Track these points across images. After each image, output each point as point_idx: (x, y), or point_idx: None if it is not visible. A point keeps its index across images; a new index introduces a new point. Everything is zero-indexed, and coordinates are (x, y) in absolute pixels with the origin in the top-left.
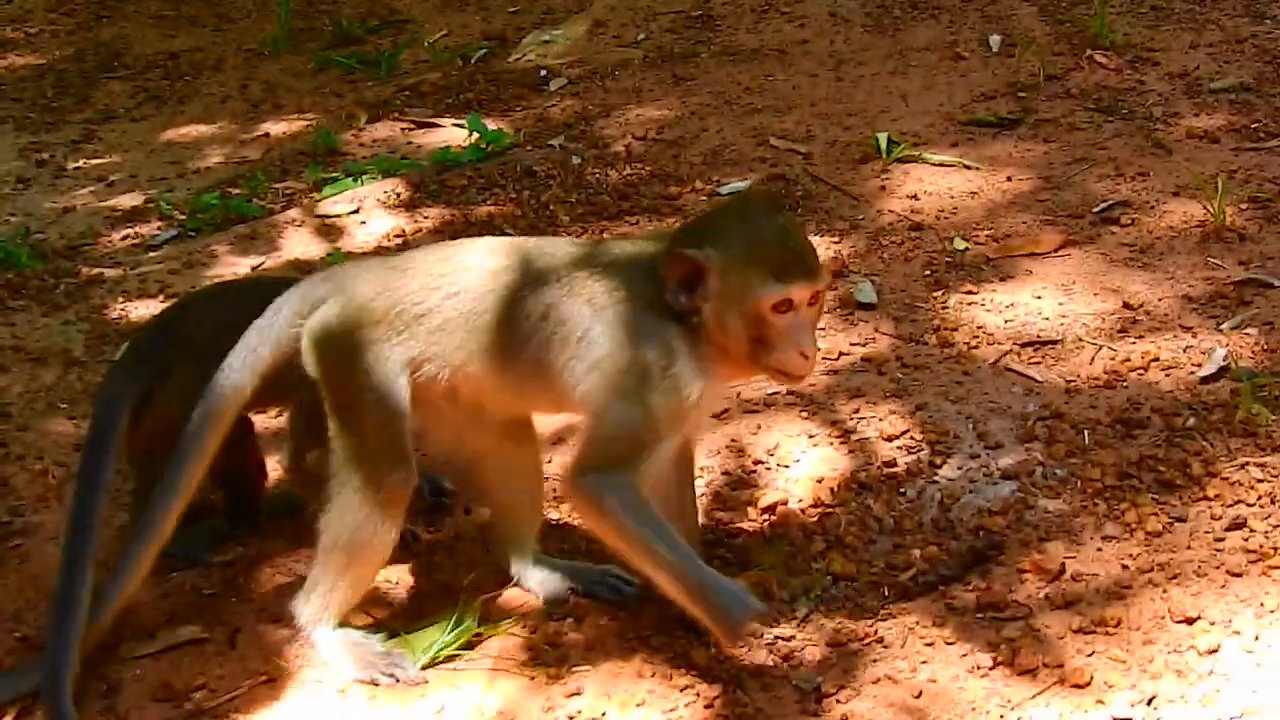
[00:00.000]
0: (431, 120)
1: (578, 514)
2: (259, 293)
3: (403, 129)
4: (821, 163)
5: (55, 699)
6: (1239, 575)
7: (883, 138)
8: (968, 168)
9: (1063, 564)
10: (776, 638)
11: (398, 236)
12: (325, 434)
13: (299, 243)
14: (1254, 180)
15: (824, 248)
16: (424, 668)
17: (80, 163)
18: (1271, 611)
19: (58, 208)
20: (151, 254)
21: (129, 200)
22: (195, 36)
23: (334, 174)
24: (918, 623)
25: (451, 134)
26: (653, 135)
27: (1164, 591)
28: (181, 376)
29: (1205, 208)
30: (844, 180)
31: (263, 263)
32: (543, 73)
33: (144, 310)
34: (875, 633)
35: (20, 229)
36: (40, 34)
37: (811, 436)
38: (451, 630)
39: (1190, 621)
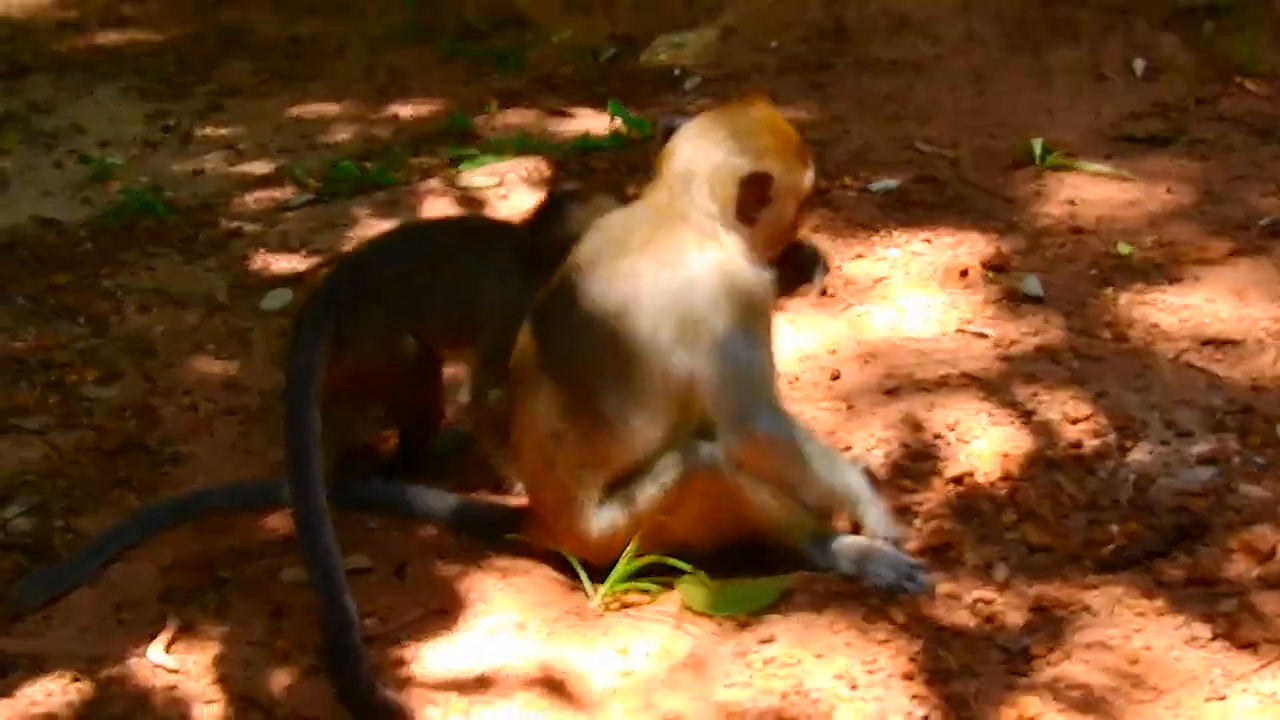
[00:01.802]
0: (565, 110)
1: (754, 463)
2: (445, 234)
3: (537, 116)
4: (971, 167)
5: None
6: None
7: (1037, 143)
8: (1124, 179)
9: (1275, 547)
10: (977, 600)
11: None
12: (505, 374)
13: (440, 211)
14: None
15: (982, 244)
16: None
17: (207, 130)
18: None
19: (187, 170)
20: (289, 214)
21: (259, 167)
22: (317, 23)
23: (470, 151)
24: (1125, 593)
25: (588, 123)
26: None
27: None
28: (373, 318)
29: None
30: (996, 184)
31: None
32: (676, 72)
33: (286, 263)
34: (1081, 601)
35: (152, 187)
36: (159, 13)
37: (991, 415)
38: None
39: None
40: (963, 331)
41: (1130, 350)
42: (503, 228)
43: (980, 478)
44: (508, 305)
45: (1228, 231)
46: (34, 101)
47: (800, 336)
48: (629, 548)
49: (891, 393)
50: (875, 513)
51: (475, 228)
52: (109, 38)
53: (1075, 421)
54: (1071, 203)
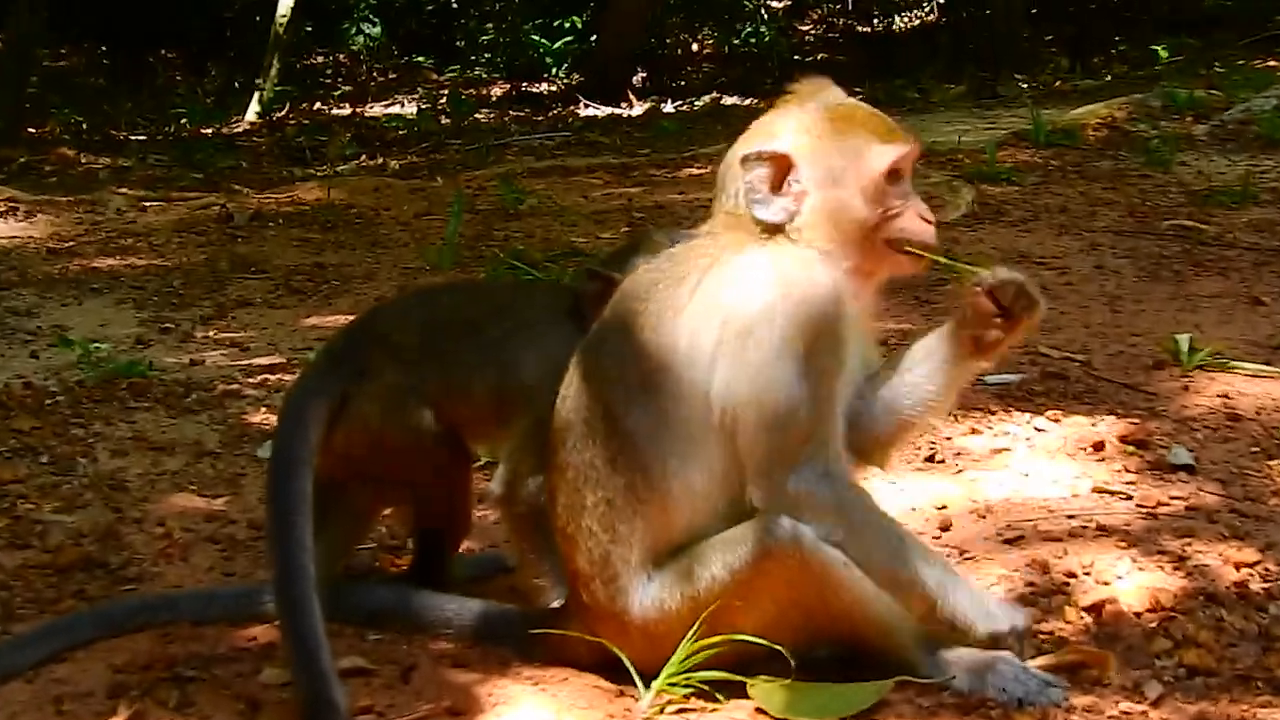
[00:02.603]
0: None
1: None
2: (484, 292)
3: None
4: (1105, 368)
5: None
6: None
7: (1183, 339)
8: None
9: None
10: (1123, 714)
11: None
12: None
13: None
14: None
15: (1121, 425)
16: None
17: (210, 333)
18: None
19: (183, 361)
20: None
21: (268, 360)
22: (344, 255)
23: None
24: None
25: None
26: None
27: None
28: (385, 380)
29: None
30: (1136, 381)
31: None
32: None
33: None
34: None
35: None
36: (167, 244)
37: (1135, 561)
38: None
39: None
40: (1101, 492)
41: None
42: (552, 287)
43: (1124, 607)
44: (555, 377)
45: None
46: (13, 308)
47: (904, 495)
48: (687, 635)
49: (1013, 542)
50: (967, 597)
51: (520, 286)
52: (105, 262)
53: (1240, 566)
54: (1225, 396)
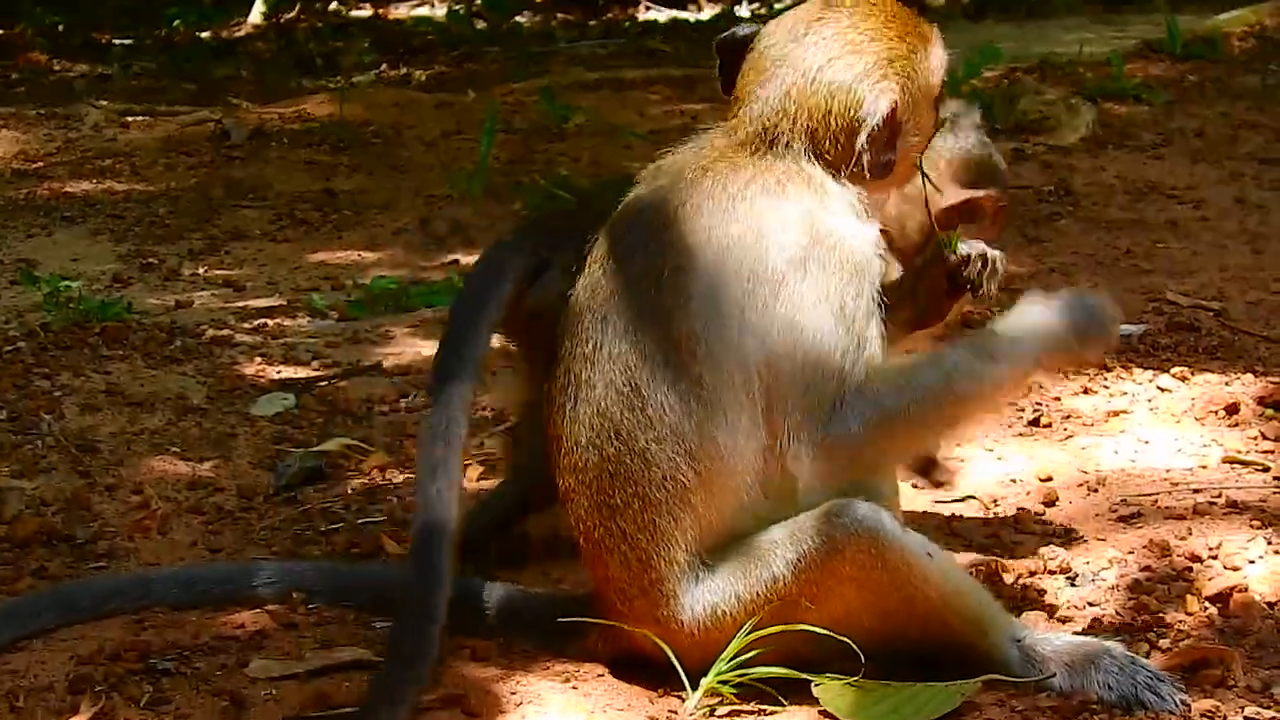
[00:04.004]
0: None
1: (838, 471)
2: None
3: None
4: (1243, 318)
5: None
6: None
7: None
8: None
9: None
10: (1248, 718)
11: None
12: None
13: None
14: None
15: (1259, 384)
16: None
17: (199, 270)
18: None
19: (167, 303)
20: (303, 327)
21: (266, 302)
22: (361, 179)
23: None
24: None
25: None
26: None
27: None
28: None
29: None
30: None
31: None
32: None
33: (290, 371)
34: None
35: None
36: (152, 166)
37: (1270, 543)
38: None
39: None
40: (1232, 462)
41: None
42: None
43: (1255, 596)
44: None
45: None
46: None
47: (1003, 464)
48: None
49: (1128, 520)
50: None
51: None
52: (80, 186)
53: None
54: None
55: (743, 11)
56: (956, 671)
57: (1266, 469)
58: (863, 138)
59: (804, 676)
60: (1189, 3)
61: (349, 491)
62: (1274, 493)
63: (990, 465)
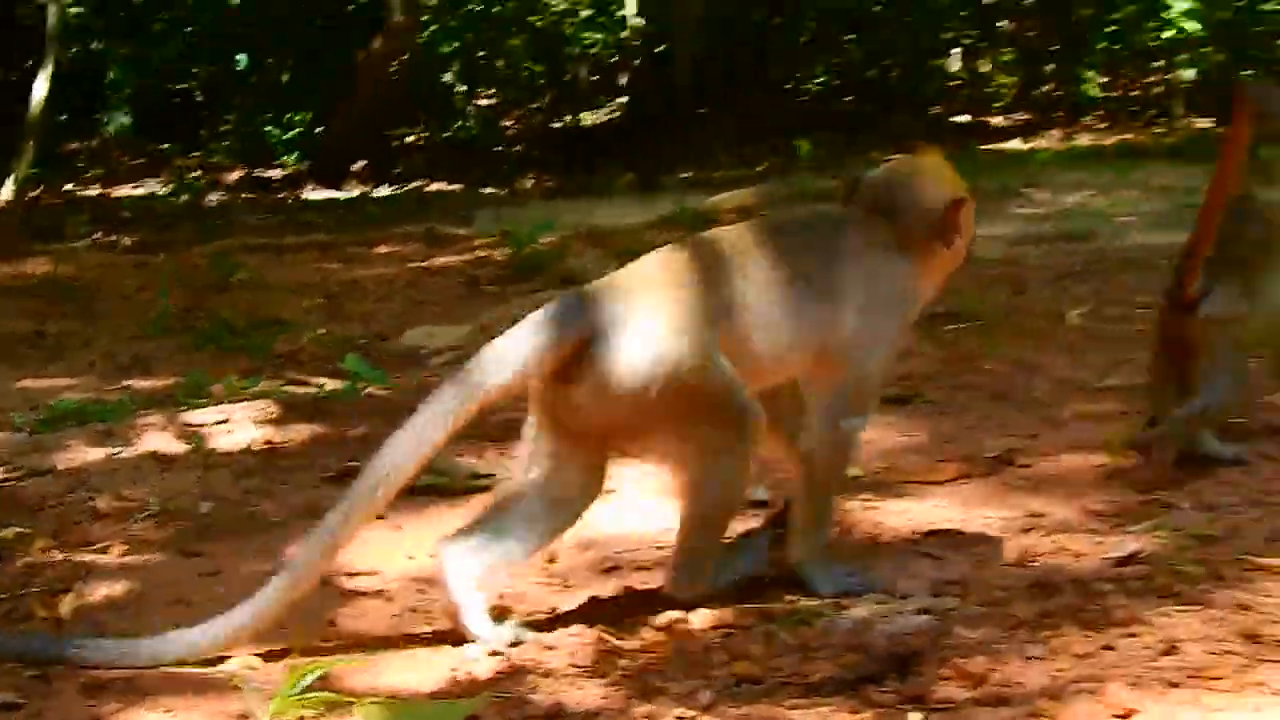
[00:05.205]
0: (305, 379)
1: (820, 456)
2: None
3: (280, 385)
4: None
5: None
6: (1177, 685)
7: None
8: None
9: (986, 673)
10: (678, 717)
11: (266, 443)
12: None
13: (159, 442)
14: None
15: None
16: None
17: None
18: (1217, 710)
19: None
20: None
21: None
22: (64, 324)
23: (200, 401)
24: (834, 710)
25: (328, 385)
26: None
27: (1099, 693)
28: None
29: (1099, 461)
30: None
31: (118, 452)
32: (423, 351)
33: None
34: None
35: None
36: None
37: None
38: None
39: (1128, 715)
40: None
41: (854, 541)
42: None
43: (692, 626)
44: None
45: (956, 461)
46: None
47: None
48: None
49: (609, 571)
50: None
51: None
52: None
53: (792, 591)
54: None
55: (382, 193)
56: None
57: None
58: (944, 210)
59: (350, 700)
60: (706, 188)
61: (14, 569)
62: None
63: None
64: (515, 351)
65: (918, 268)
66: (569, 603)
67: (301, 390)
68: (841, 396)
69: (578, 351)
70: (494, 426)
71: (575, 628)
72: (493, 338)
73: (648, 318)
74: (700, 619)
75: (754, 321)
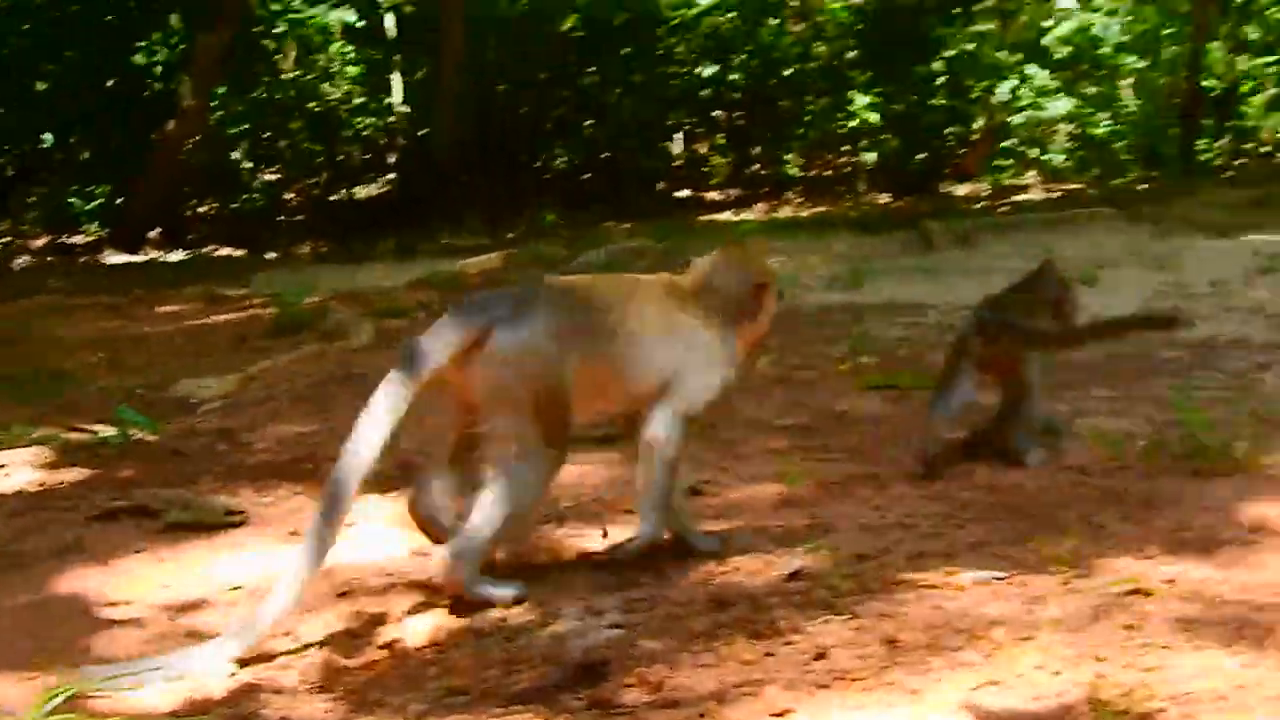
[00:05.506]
0: (85, 427)
1: (649, 444)
2: None
3: (58, 432)
4: None
5: None
6: (826, 686)
7: None
8: None
9: (664, 680)
10: None
11: (40, 485)
12: None
13: None
14: (815, 474)
15: None
16: None
17: None
18: (857, 708)
19: None
20: None
21: None
22: None
23: None
24: (532, 717)
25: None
26: (293, 438)
27: (759, 695)
28: None
29: (775, 490)
30: None
31: None
32: (192, 400)
33: None
34: None
35: None
36: None
37: (429, 608)
38: None
39: (784, 714)
40: (416, 554)
41: (560, 563)
42: None
43: (410, 645)
44: None
45: None
46: None
47: (248, 564)
48: None
49: (343, 595)
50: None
51: None
52: None
53: (503, 610)
54: None
55: (175, 258)
56: None
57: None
58: (750, 290)
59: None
60: (452, 254)
61: None
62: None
63: (234, 566)
64: (442, 339)
65: (734, 334)
66: (306, 625)
67: (77, 437)
68: (671, 416)
69: (481, 336)
70: (248, 468)
71: (309, 649)
72: (256, 388)
73: (534, 321)
74: (417, 637)
75: (608, 355)
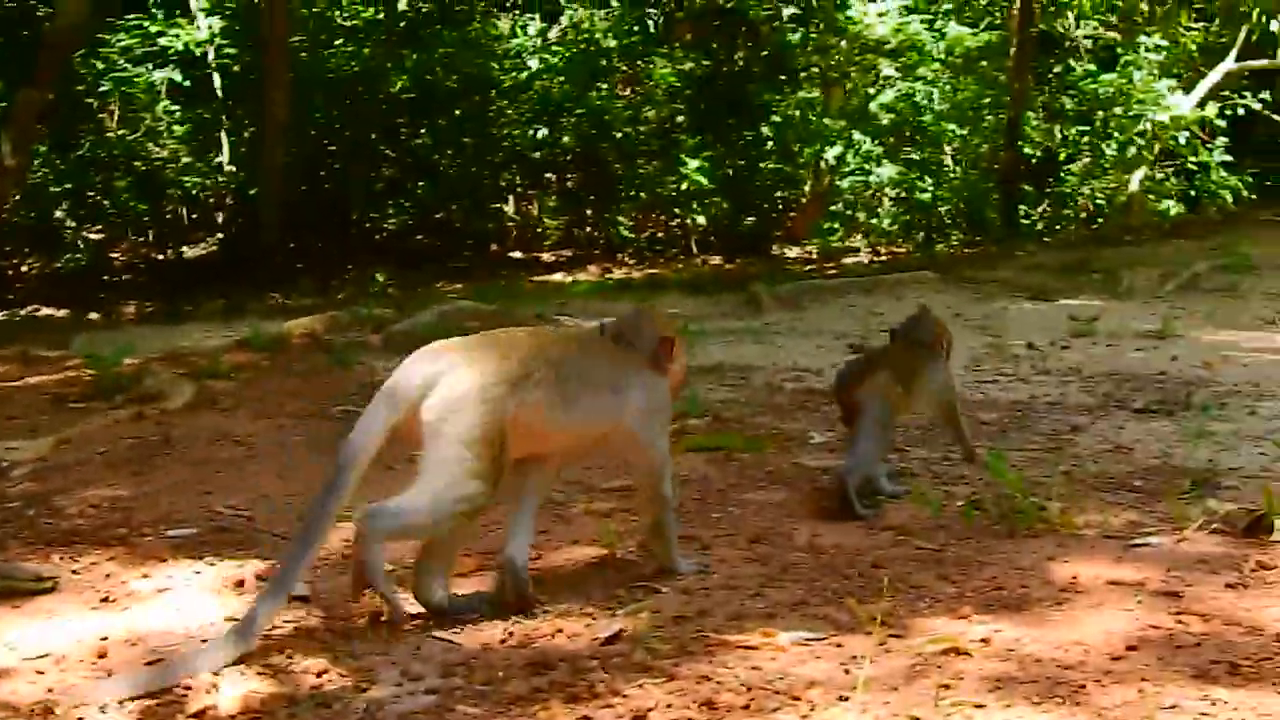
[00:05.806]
0: None
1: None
2: None
3: None
4: (264, 522)
5: None
6: None
7: None
8: None
9: None
10: None
11: None
12: None
13: None
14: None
15: (262, 566)
16: None
17: None
18: None
19: None
20: None
21: None
22: None
23: None
24: None
25: None
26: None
27: None
28: None
29: (598, 552)
30: (286, 531)
31: None
32: (4, 464)
33: None
34: None
35: None
36: None
37: (241, 675)
38: None
39: None
40: (231, 619)
41: (376, 628)
42: None
43: (223, 712)
44: None
45: (475, 555)
46: None
47: (67, 629)
48: None
49: (152, 663)
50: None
51: None
52: None
53: (320, 674)
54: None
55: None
56: None
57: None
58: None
59: None
60: (279, 314)
61: None
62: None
63: (55, 631)
64: (411, 377)
65: (660, 380)
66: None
67: None
68: (645, 470)
69: (436, 378)
70: (60, 533)
71: (115, 717)
72: (70, 450)
73: (482, 369)
74: (229, 704)
75: (545, 401)
